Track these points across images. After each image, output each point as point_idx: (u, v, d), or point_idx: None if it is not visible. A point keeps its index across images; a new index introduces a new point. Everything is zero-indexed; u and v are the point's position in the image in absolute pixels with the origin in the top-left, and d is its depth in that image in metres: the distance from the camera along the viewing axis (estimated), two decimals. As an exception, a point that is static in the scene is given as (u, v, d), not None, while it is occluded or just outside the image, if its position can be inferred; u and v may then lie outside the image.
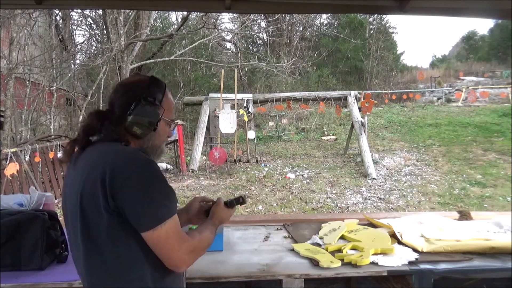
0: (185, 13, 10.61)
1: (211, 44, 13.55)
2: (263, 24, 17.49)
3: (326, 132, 11.75)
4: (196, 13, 11.54)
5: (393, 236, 1.88)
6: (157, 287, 1.09)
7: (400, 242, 1.82)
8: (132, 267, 1.06)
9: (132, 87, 1.19)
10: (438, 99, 15.34)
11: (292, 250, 1.78)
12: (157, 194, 1.04)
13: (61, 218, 1.77)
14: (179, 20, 13.18)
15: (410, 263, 1.60)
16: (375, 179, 7.29)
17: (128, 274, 1.06)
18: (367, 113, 8.87)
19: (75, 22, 12.64)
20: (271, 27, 16.45)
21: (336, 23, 19.60)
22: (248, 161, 8.66)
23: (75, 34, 13.58)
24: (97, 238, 1.05)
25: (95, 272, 1.08)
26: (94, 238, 1.05)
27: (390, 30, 20.27)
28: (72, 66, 11.02)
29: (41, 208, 1.82)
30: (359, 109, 8.67)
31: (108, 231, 1.04)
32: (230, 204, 1.36)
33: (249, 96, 9.27)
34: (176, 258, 1.07)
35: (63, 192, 1.19)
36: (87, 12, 11.78)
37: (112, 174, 1.02)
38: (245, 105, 8.69)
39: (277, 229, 2.13)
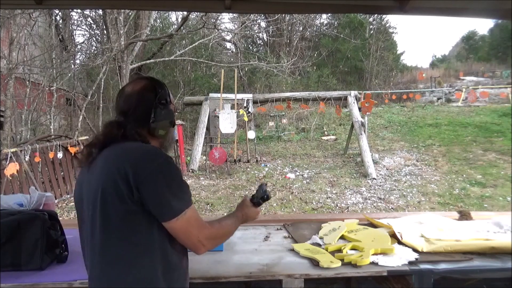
0: (185, 13, 10.60)
1: (211, 44, 13.55)
2: (263, 24, 17.48)
3: (326, 132, 11.75)
4: (196, 13, 11.54)
5: (393, 236, 1.88)
6: (165, 278, 1.16)
7: (400, 242, 1.82)
8: (145, 255, 1.14)
9: (143, 95, 1.27)
10: (438, 99, 15.34)
11: (292, 250, 1.78)
12: (177, 187, 1.16)
13: (61, 218, 1.78)
14: (179, 20, 13.19)
15: (410, 263, 1.60)
16: (375, 179, 7.28)
17: (141, 261, 1.13)
18: (367, 113, 8.87)
19: (75, 22, 12.63)
20: (271, 27, 16.44)
21: (336, 23, 19.59)
22: (248, 161, 8.66)
23: (75, 34, 13.58)
24: (117, 226, 1.13)
25: (110, 258, 1.14)
26: (114, 225, 1.13)
27: (390, 30, 20.27)
28: (72, 66, 11.00)
29: (41, 208, 1.82)
30: (359, 109, 8.67)
31: (128, 219, 1.12)
32: (257, 203, 1.42)
33: (249, 96, 9.27)
34: (196, 242, 1.19)
35: (78, 188, 1.26)
36: (87, 12, 11.77)
37: (137, 167, 1.12)
38: (245, 105, 8.69)
39: (277, 229, 2.13)
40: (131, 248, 1.13)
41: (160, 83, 1.33)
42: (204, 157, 8.57)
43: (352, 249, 1.75)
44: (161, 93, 1.30)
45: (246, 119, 8.36)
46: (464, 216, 2.21)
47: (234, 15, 15.11)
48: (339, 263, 1.57)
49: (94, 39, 13.76)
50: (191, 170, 8.13)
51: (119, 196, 1.10)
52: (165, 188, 1.13)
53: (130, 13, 10.44)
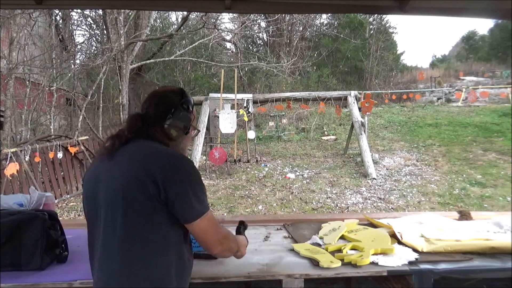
0: (185, 13, 10.60)
1: (211, 44, 13.55)
2: (263, 24, 17.47)
3: (326, 132, 11.75)
4: (196, 13, 11.54)
5: (393, 236, 1.87)
6: (176, 278, 1.21)
7: (400, 242, 1.82)
8: (162, 254, 1.18)
9: (168, 95, 1.37)
10: (438, 99, 15.34)
11: (292, 250, 1.78)
12: (200, 191, 1.23)
13: (61, 218, 1.77)
14: (179, 20, 13.19)
15: (410, 263, 1.60)
16: (375, 179, 7.28)
17: (158, 260, 1.17)
18: (367, 113, 8.87)
19: (75, 22, 12.63)
20: (271, 27, 16.43)
21: (336, 23, 19.58)
22: (248, 161, 8.66)
23: (75, 34, 13.58)
24: (139, 223, 1.16)
25: (130, 254, 1.16)
26: (136, 222, 1.16)
27: (390, 30, 20.28)
28: (72, 66, 11.00)
29: (41, 208, 1.82)
30: (359, 109, 8.66)
31: (152, 218, 1.17)
32: (241, 230, 1.59)
33: (249, 96, 9.27)
34: (214, 241, 1.27)
35: (92, 181, 1.26)
36: (87, 12, 11.77)
37: (166, 171, 1.17)
38: (245, 105, 8.68)
39: (277, 229, 2.13)
40: (150, 246, 1.17)
41: (187, 93, 1.42)
42: (204, 157, 8.57)
43: (352, 249, 1.75)
44: (186, 100, 1.37)
45: (246, 119, 8.36)
46: (464, 216, 2.21)
47: (234, 15, 15.12)
48: (339, 263, 1.57)
49: (94, 39, 13.77)
50: (191, 170, 8.11)
51: (146, 194, 1.14)
52: (190, 192, 1.19)
53: (130, 13, 10.44)
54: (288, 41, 17.45)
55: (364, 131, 8.47)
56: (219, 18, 14.33)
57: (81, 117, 8.93)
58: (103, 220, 1.19)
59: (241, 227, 1.62)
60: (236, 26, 15.68)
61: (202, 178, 1.27)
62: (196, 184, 1.22)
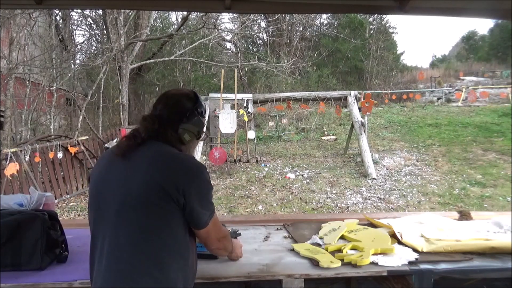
0: (185, 13, 10.61)
1: (211, 44, 13.55)
2: (263, 24, 17.48)
3: (326, 132, 11.75)
4: (196, 13, 11.54)
5: (393, 236, 1.87)
6: (184, 279, 1.22)
7: (400, 242, 1.81)
8: (176, 256, 1.20)
9: (182, 99, 1.37)
10: (438, 99, 15.34)
11: (292, 250, 1.78)
12: (211, 196, 1.28)
13: (61, 218, 1.77)
14: (179, 20, 13.20)
15: (410, 263, 1.60)
16: (375, 179, 7.28)
17: (171, 261, 1.18)
18: (367, 113, 8.86)
19: (75, 22, 12.65)
20: (271, 27, 16.44)
21: (336, 23, 19.59)
22: (248, 161, 8.66)
23: (75, 34, 13.60)
24: (158, 225, 1.17)
25: (144, 255, 1.15)
26: (156, 224, 1.17)
27: (390, 30, 20.27)
28: (72, 66, 11.01)
29: (41, 208, 1.81)
30: (359, 109, 8.66)
31: (171, 221, 1.19)
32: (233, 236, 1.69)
33: (249, 96, 9.26)
34: (213, 238, 1.32)
35: (102, 179, 1.25)
36: (87, 12, 11.78)
37: (187, 177, 1.20)
38: (245, 105, 8.68)
39: (277, 229, 2.13)
40: (166, 248, 1.17)
41: (201, 98, 1.43)
42: (204, 157, 8.57)
43: (352, 249, 1.74)
44: (200, 104, 1.39)
45: (246, 119, 8.36)
46: (464, 216, 2.21)
47: (234, 15, 15.12)
48: (339, 263, 1.57)
49: (94, 39, 13.78)
50: (191, 170, 8.10)
51: (166, 199, 1.16)
52: (205, 200, 1.25)
53: (130, 13, 10.44)
54: (288, 41, 17.45)
55: (364, 131, 8.47)
56: (219, 18, 14.35)
57: (81, 117, 8.93)
58: (113, 220, 1.17)
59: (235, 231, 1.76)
60: (236, 26, 15.69)
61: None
62: (210, 190, 1.27)
